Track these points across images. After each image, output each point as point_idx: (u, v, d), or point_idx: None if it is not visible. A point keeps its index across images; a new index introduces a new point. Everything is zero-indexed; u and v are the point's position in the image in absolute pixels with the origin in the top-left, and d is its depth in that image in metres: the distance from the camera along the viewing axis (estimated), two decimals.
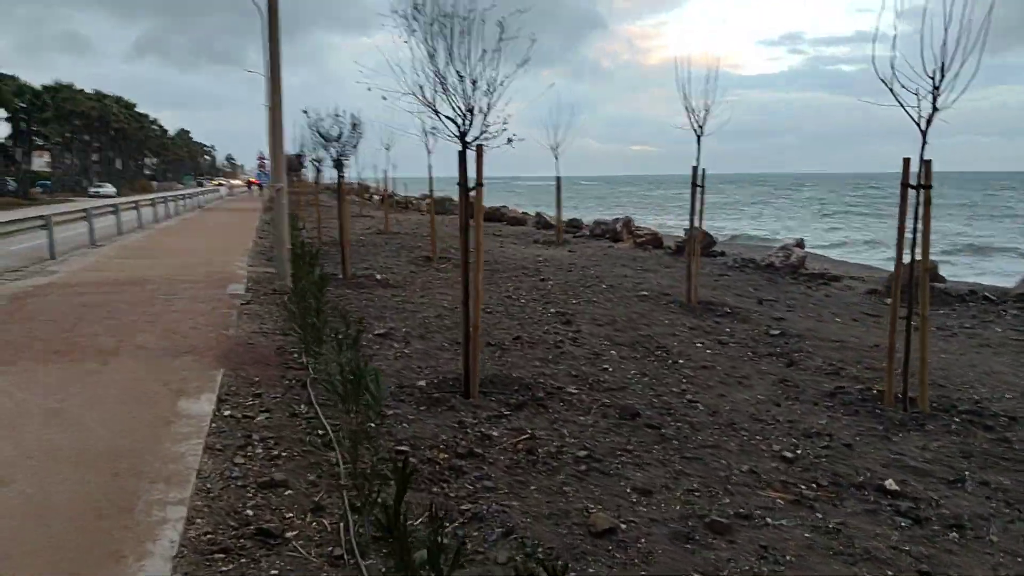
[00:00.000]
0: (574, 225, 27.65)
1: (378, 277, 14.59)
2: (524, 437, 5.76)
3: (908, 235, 7.01)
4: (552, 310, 11.40)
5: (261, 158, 49.38)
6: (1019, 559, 4.11)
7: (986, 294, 13.29)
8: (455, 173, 6.89)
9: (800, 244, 18.60)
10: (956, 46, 6.25)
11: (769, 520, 4.42)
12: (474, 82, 6.41)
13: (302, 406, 6.50)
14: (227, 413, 6.23)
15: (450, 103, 6.47)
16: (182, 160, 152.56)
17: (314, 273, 9.15)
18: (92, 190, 78.73)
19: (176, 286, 13.11)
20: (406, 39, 6.41)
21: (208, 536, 4.09)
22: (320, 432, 5.80)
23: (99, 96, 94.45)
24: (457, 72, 6.37)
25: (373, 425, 5.74)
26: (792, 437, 5.96)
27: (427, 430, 5.86)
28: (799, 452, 5.60)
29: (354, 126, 14.00)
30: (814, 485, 4.99)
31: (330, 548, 4.02)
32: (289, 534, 4.14)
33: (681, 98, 11.51)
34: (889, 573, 3.90)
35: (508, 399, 6.74)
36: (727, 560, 3.95)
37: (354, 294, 12.49)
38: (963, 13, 6.15)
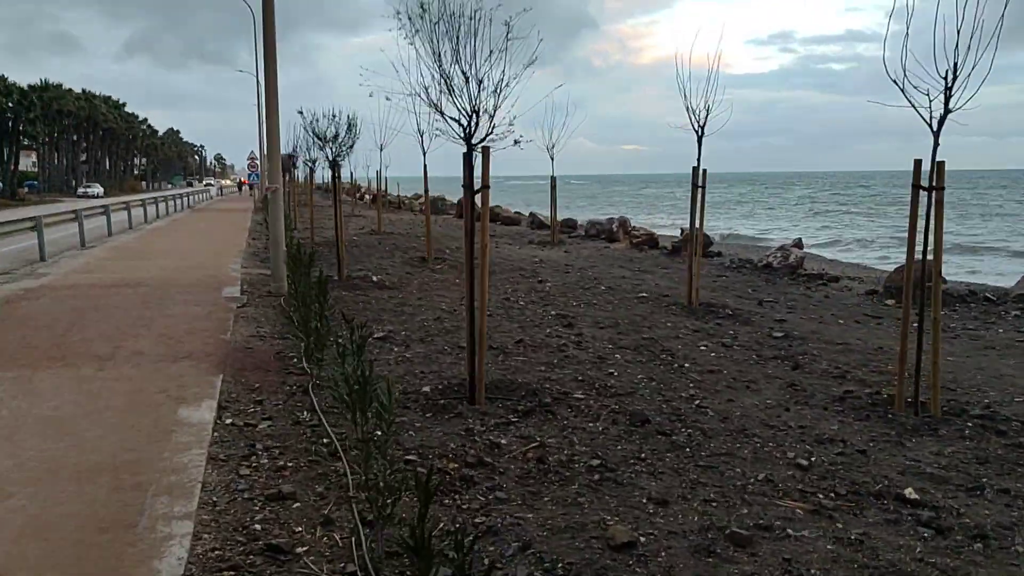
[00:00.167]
0: (569, 225, 27.55)
1: (374, 279, 14.45)
2: (534, 445, 5.65)
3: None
4: (553, 312, 11.30)
5: (252, 158, 49.09)
6: None
7: (986, 295, 13.24)
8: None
9: (798, 244, 18.56)
10: (968, 45, 6.17)
11: (790, 531, 4.32)
12: (480, 83, 6.31)
13: (305, 413, 6.37)
14: (229, 421, 6.10)
15: (455, 104, 6.36)
16: (171, 160, 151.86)
17: (312, 276, 9.02)
18: (80, 190, 78.36)
19: (170, 289, 12.96)
20: (410, 39, 6.30)
21: (216, 552, 3.96)
22: (325, 441, 5.68)
23: (87, 96, 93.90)
24: (463, 72, 6.26)
25: (380, 433, 5.61)
26: (805, 443, 5.86)
27: (434, 438, 5.75)
28: (814, 459, 5.50)
29: (350, 126, 13.87)
30: (832, 494, 4.89)
31: (342, 564, 3.89)
32: (299, 549, 4.01)
33: (681, 98, 11.42)
34: None
35: (515, 405, 6.62)
36: (751, 575, 3.85)
37: (351, 296, 12.36)
38: (976, 12, 6.06)
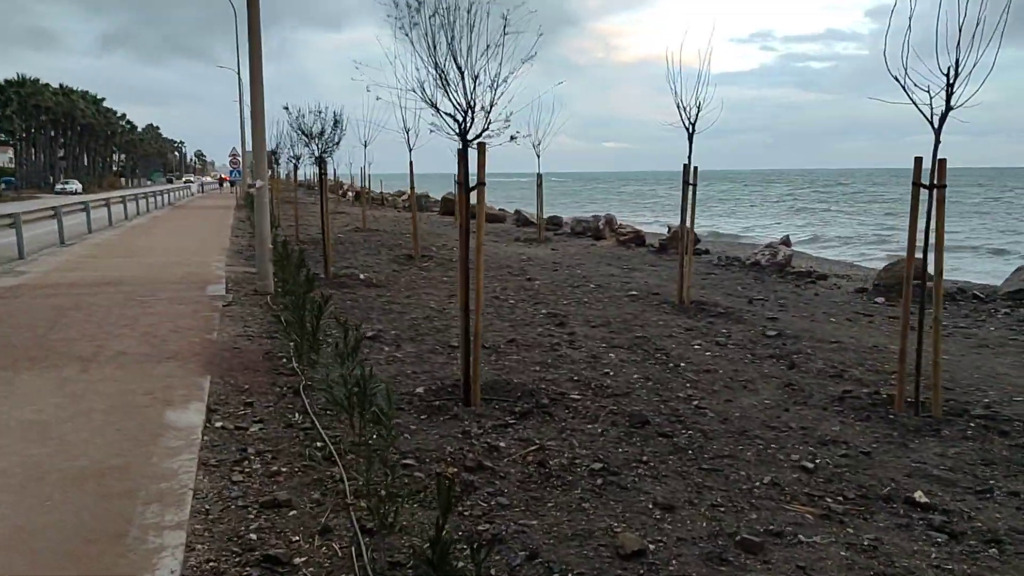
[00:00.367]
0: (554, 223, 27.43)
1: (361, 276, 14.28)
2: (533, 448, 5.52)
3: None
4: (543, 311, 11.17)
5: (234, 155, 48.65)
6: None
7: (975, 292, 13.24)
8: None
9: (786, 242, 18.52)
10: (971, 41, 6.09)
11: (801, 537, 4.21)
12: (475, 78, 6.16)
13: (297, 415, 6.21)
14: (219, 424, 5.93)
15: (451, 99, 6.21)
16: (151, 157, 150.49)
17: (301, 275, 8.84)
18: (58, 187, 77.49)
19: (153, 287, 12.73)
20: (407, 31, 6.14)
21: (211, 564, 3.80)
22: (319, 444, 5.52)
23: (65, 91, 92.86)
24: (458, 67, 6.12)
25: (375, 437, 5.46)
26: (808, 445, 5.77)
27: (431, 441, 5.61)
28: (818, 461, 5.40)
29: (336, 123, 13.67)
30: (840, 498, 4.79)
31: (343, 575, 3.75)
32: (297, 560, 3.86)
33: (671, 95, 11.33)
34: None
35: (512, 407, 6.49)
36: None
37: (338, 294, 12.17)
38: (979, 7, 5.98)
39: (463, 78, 6.16)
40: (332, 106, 13.92)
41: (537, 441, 5.67)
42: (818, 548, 4.10)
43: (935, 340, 6.58)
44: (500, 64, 5.95)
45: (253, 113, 12.61)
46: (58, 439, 5.52)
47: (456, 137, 6.35)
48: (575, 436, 5.84)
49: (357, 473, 4.86)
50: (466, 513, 4.43)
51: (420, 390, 6.93)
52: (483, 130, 6.26)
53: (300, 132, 13.77)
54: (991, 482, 5.11)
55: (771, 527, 4.32)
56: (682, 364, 8.21)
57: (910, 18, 6.27)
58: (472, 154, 6.36)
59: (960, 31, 6.11)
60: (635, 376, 7.67)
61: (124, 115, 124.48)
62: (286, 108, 14.31)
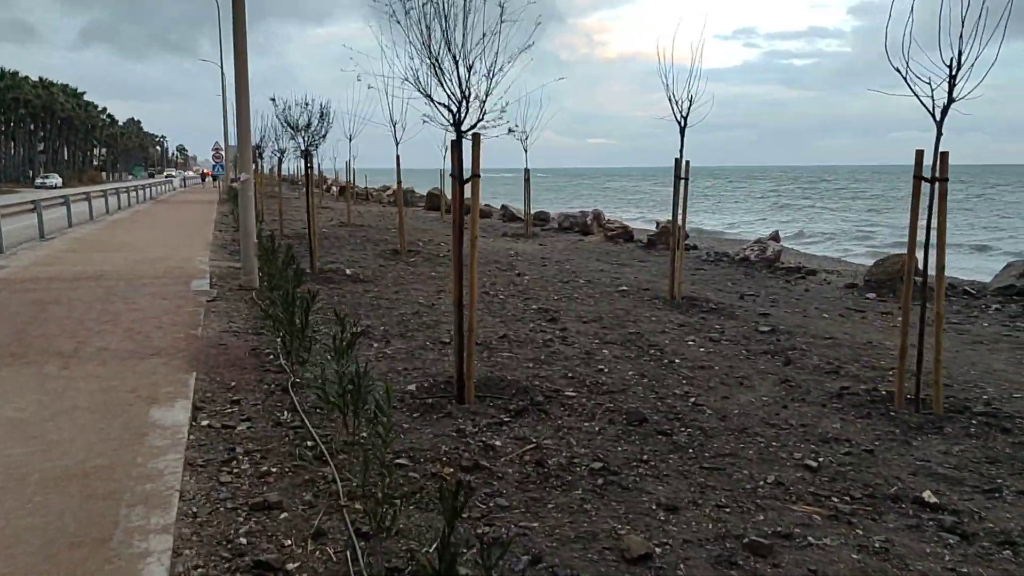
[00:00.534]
0: (541, 218, 27.30)
1: (348, 272, 14.09)
2: (530, 447, 5.38)
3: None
4: (534, 307, 11.03)
5: (217, 149, 48.19)
6: None
7: (965, 288, 13.21)
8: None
9: (775, 237, 18.46)
10: (973, 32, 5.99)
11: (811, 539, 4.09)
12: (470, 68, 6.00)
13: (285, 413, 6.04)
14: (205, 423, 5.75)
15: (445, 88, 6.05)
16: (132, 151, 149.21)
17: (289, 270, 8.67)
18: (38, 181, 76.70)
19: (135, 282, 12.49)
20: (399, 18, 5.98)
21: (199, 570, 3.63)
22: (309, 443, 5.36)
23: (45, 84, 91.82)
24: (453, 56, 5.96)
25: (366, 436, 5.30)
26: (810, 443, 5.66)
27: (425, 440, 5.45)
28: (821, 460, 5.29)
29: (323, 115, 13.47)
30: (847, 497, 4.67)
31: None
32: (290, 566, 3.70)
33: (663, 88, 11.21)
34: None
35: (506, 404, 6.34)
36: None
37: (325, 290, 11.97)
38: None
39: (457, 67, 6.00)
40: (317, 100, 13.71)
41: (534, 440, 5.53)
42: (829, 550, 3.98)
43: (936, 336, 6.48)
44: (497, 53, 5.79)
45: (238, 106, 12.39)
46: (40, 438, 5.33)
47: (451, 128, 6.20)
48: (572, 434, 5.70)
49: (350, 474, 4.71)
50: (464, 515, 4.27)
51: (412, 387, 6.78)
52: (478, 121, 6.11)
53: (286, 124, 13.55)
54: (998, 481, 5.01)
55: (779, 528, 4.20)
56: (677, 360, 8.09)
57: (912, 8, 6.17)
58: (466, 146, 6.21)
59: (963, 22, 6.01)
60: (630, 373, 7.55)
61: (105, 109, 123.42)
62: (272, 100, 14.10)
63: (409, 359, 7.86)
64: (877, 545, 4.05)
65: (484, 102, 6.08)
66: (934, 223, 6.47)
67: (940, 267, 6.56)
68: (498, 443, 5.44)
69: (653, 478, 4.92)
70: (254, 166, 32.00)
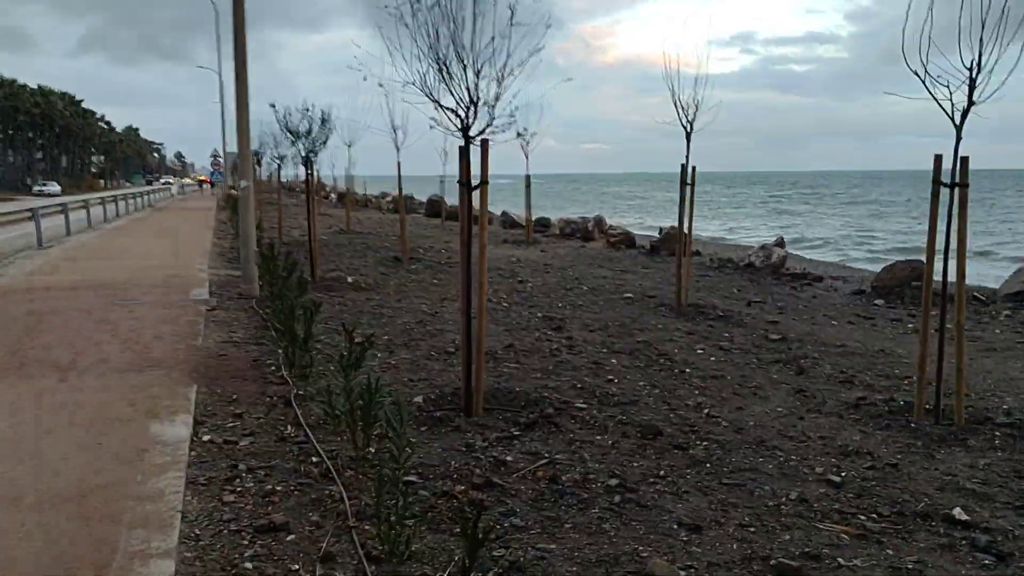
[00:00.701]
0: (542, 224, 27.14)
1: (349, 280, 13.91)
2: (543, 463, 5.21)
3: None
4: (539, 315, 10.87)
5: (215, 156, 48.03)
6: None
7: (975, 295, 13.05)
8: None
9: (780, 243, 18.31)
10: (993, 33, 5.84)
11: (840, 560, 3.92)
12: (478, 72, 5.84)
13: (289, 428, 5.86)
14: (207, 438, 5.57)
15: (453, 93, 5.89)
16: (130, 158, 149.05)
17: (291, 279, 8.49)
18: (36, 188, 76.58)
19: (134, 291, 12.31)
20: (407, 20, 5.81)
21: None
22: (314, 459, 5.18)
23: (43, 92, 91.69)
24: (461, 59, 5.79)
25: (374, 452, 5.13)
26: (831, 457, 5.49)
27: (434, 455, 5.28)
28: (844, 475, 5.12)
29: (323, 121, 13.31)
30: (875, 515, 4.50)
31: None
32: None
33: (670, 95, 11.08)
34: None
35: (515, 417, 6.17)
36: None
37: (326, 298, 11.78)
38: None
39: (465, 71, 5.85)
40: (318, 106, 13.54)
41: (546, 455, 5.36)
42: (860, 573, 3.81)
43: (958, 346, 6.33)
44: (508, 56, 5.63)
45: (238, 114, 12.24)
46: (35, 456, 5.15)
47: (458, 133, 6.04)
48: (585, 448, 5.53)
49: (359, 491, 4.54)
50: (478, 536, 4.10)
51: (419, 399, 6.60)
52: (487, 126, 5.95)
53: (287, 131, 13.38)
54: None
55: (806, 549, 4.03)
56: (687, 370, 7.93)
57: (930, 9, 6.01)
58: (473, 151, 6.05)
59: (983, 25, 5.87)
60: (640, 383, 7.38)
61: (103, 116, 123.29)
62: (272, 106, 13.92)
63: (414, 369, 7.69)
64: (910, 566, 3.88)
65: (493, 107, 5.93)
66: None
67: (961, 274, 6.41)
68: (509, 458, 5.27)
69: (672, 495, 4.74)
70: (254, 173, 31.85)
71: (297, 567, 3.75)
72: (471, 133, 5.99)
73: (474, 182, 6.11)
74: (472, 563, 2.65)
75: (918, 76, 6.11)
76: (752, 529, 4.28)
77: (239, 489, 4.68)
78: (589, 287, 13.76)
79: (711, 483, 4.96)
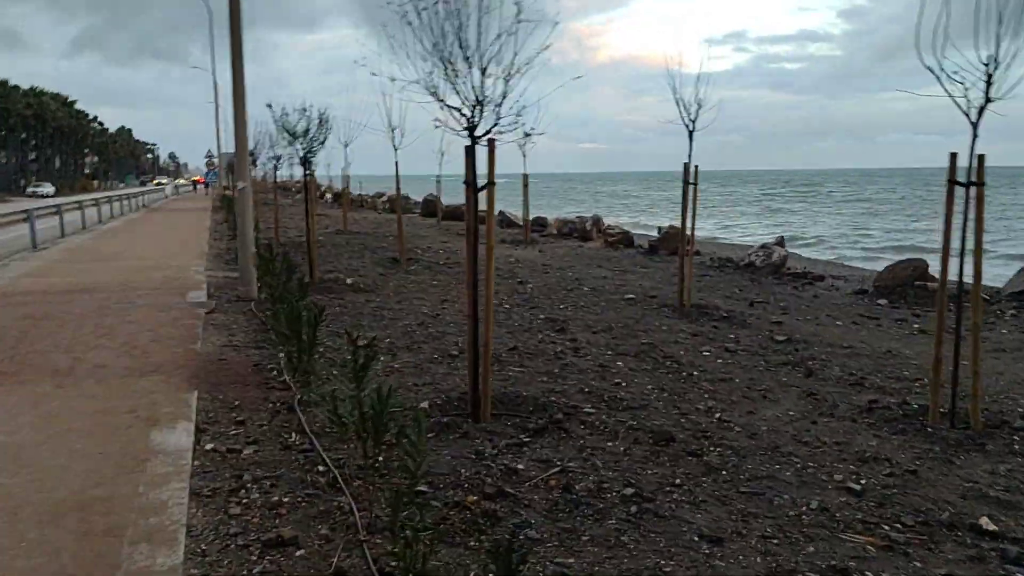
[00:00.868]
0: (539, 224, 27.00)
1: (348, 281, 13.77)
2: (555, 471, 5.08)
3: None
4: (541, 316, 10.74)
5: (210, 156, 47.77)
6: None
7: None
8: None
9: (780, 243, 18.21)
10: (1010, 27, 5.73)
11: (868, 574, 3.80)
12: (484, 69, 5.71)
13: (294, 435, 5.73)
14: (209, 447, 5.44)
15: (458, 92, 5.75)
16: (124, 159, 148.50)
17: (292, 280, 8.35)
18: (30, 190, 76.29)
19: (131, 294, 12.15)
20: (410, 18, 5.68)
21: None
22: (321, 468, 5.05)
23: (36, 92, 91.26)
24: (466, 58, 5.66)
25: (381, 459, 4.99)
26: (848, 463, 5.37)
27: (443, 463, 5.15)
28: (864, 483, 5.00)
29: (321, 121, 13.15)
30: (899, 525, 4.39)
31: None
32: None
33: (672, 93, 10.97)
34: None
35: (524, 423, 6.05)
36: None
37: (325, 300, 11.62)
38: None
39: (471, 70, 5.71)
40: (315, 105, 13.39)
41: (557, 462, 5.23)
42: None
43: (973, 347, 6.22)
44: (516, 53, 5.50)
45: (235, 114, 12.09)
46: (33, 465, 5.01)
47: (463, 133, 5.90)
48: (597, 456, 5.40)
49: (368, 502, 4.41)
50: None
51: (424, 404, 6.47)
52: (493, 125, 5.82)
53: (284, 130, 13.23)
54: None
55: (832, 562, 3.91)
56: (695, 373, 7.81)
57: (947, 2, 5.88)
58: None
59: (1000, 22, 5.75)
60: (648, 387, 7.25)
61: (96, 117, 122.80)
62: (269, 106, 13.77)
63: (418, 373, 7.56)
64: None
65: (500, 106, 5.79)
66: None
67: (977, 274, 6.32)
68: (520, 466, 5.14)
69: (689, 504, 4.62)
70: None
71: None
72: (477, 133, 5.86)
73: (478, 184, 5.98)
74: None
75: (932, 72, 5.99)
76: (775, 541, 4.16)
77: (245, 501, 4.54)
78: (590, 288, 13.64)
79: (729, 492, 4.84)
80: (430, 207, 33.74)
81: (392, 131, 16.02)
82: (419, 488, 4.63)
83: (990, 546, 4.15)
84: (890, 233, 38.72)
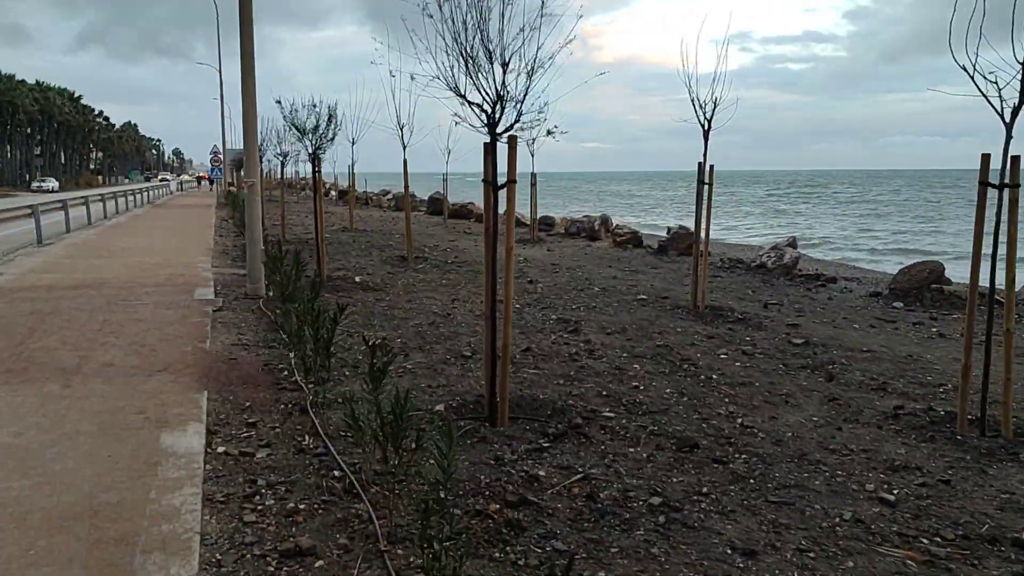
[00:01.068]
0: (546, 223, 26.83)
1: (356, 279, 13.63)
2: (578, 478, 4.93)
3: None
4: (553, 317, 10.58)
5: (215, 152, 47.65)
6: None
7: (997, 297, 12.77)
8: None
9: (792, 244, 18.03)
10: None
11: None
12: (505, 65, 5.56)
13: (307, 438, 5.58)
14: (221, 450, 5.29)
15: (478, 88, 5.60)
16: (128, 155, 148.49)
17: (301, 279, 8.21)
18: (35, 185, 76.27)
19: (137, 290, 12.02)
20: (431, 12, 5.53)
21: None
22: (337, 473, 4.91)
23: (42, 88, 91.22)
24: (488, 52, 5.51)
25: (396, 463, 4.84)
26: (879, 472, 5.21)
27: (462, 469, 5.00)
28: (897, 493, 4.84)
29: (330, 117, 13.01)
30: (938, 539, 4.23)
31: None
32: None
33: (687, 91, 10.82)
34: None
35: (543, 427, 5.90)
36: None
37: (334, 298, 11.50)
38: None
39: (492, 64, 5.57)
40: (325, 102, 13.26)
41: (579, 469, 5.08)
42: None
43: (1006, 354, 6.06)
44: (539, 47, 5.35)
45: (244, 110, 11.94)
46: (41, 469, 4.87)
47: (483, 129, 5.76)
48: (620, 462, 5.25)
49: (386, 509, 4.26)
50: (520, 562, 3.83)
51: (440, 407, 6.33)
52: (515, 122, 5.67)
53: (293, 127, 13.09)
54: None
55: None
56: (714, 376, 7.65)
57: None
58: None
59: None
60: (667, 390, 7.10)
61: (101, 112, 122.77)
62: (278, 102, 13.63)
63: (432, 375, 7.41)
64: None
65: (521, 103, 5.65)
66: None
67: (1010, 280, 6.18)
68: (542, 473, 4.99)
69: (719, 514, 4.47)
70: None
71: None
72: (498, 130, 5.71)
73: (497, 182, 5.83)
74: None
75: (966, 71, 5.84)
76: (811, 554, 4.00)
77: (260, 507, 4.40)
78: (600, 288, 13.48)
79: (757, 501, 4.68)
80: (436, 205, 33.57)
81: (401, 129, 15.90)
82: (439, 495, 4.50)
83: None
84: (896, 235, 38.52)
